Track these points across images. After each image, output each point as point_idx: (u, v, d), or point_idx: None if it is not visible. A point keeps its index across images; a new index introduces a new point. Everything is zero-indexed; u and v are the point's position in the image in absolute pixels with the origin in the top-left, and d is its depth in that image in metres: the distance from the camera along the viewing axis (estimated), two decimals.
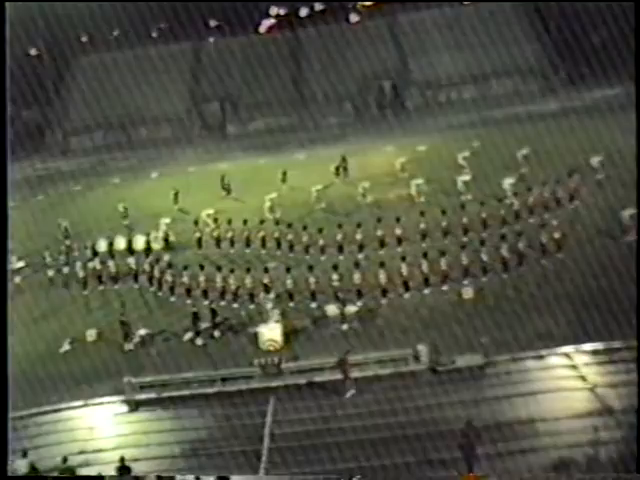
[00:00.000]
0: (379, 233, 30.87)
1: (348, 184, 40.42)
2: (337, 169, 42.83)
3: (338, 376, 22.17)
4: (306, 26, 74.54)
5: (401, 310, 26.28)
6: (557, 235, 28.52)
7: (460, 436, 17.71)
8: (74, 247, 34.96)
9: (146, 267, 31.29)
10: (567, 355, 22.20)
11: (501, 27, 66.95)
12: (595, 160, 35.50)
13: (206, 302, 27.55)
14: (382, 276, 26.86)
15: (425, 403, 20.56)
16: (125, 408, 22.84)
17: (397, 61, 70.81)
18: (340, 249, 30.93)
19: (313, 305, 27.18)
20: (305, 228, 32.06)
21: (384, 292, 26.95)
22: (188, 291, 28.89)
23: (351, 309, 26.07)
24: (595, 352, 22.09)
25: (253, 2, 69.74)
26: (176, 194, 40.85)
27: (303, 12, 77.25)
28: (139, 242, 34.54)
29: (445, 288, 27.16)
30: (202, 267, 29.09)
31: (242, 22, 68.47)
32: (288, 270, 27.85)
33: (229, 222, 33.68)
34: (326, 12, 75.66)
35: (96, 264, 32.06)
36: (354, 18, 75.91)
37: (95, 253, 33.44)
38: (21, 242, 33.34)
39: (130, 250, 33.97)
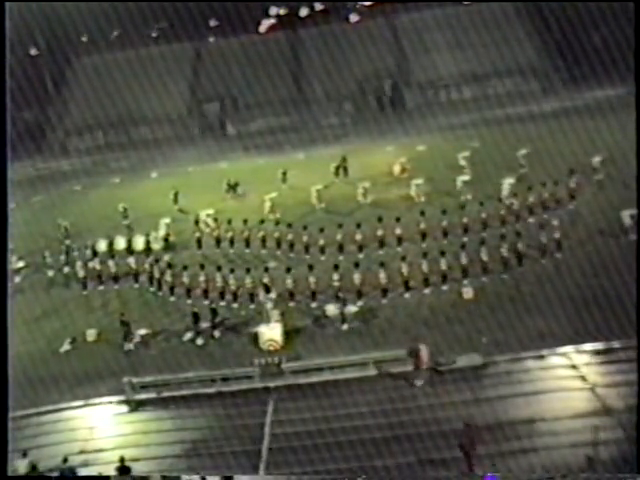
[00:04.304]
0: (379, 233, 30.87)
1: (348, 184, 40.42)
2: (337, 169, 42.83)
3: (338, 376, 22.29)
4: (306, 26, 74.55)
5: (401, 310, 26.29)
6: (557, 235, 28.55)
7: (460, 436, 17.71)
8: (74, 247, 34.93)
9: (146, 267, 31.29)
10: (567, 355, 22.21)
11: (501, 27, 67.07)
12: (595, 160, 35.53)
13: (206, 302, 27.56)
14: (382, 276, 26.87)
15: (425, 403, 20.57)
16: (125, 408, 22.84)
17: (397, 61, 70.83)
18: (340, 249, 30.93)
19: (313, 305, 27.18)
20: (305, 228, 32.05)
21: (384, 292, 26.95)
22: (188, 291, 28.90)
23: (351, 309, 26.10)
24: (595, 352, 22.10)
25: (253, 2, 69.74)
26: (176, 194, 40.86)
27: (303, 12, 77.23)
28: (139, 242, 34.53)
29: (445, 288, 27.17)
30: (202, 267, 29.09)
31: (242, 22, 68.45)
32: (288, 270, 27.84)
33: (229, 222, 33.68)
34: (326, 12, 75.67)
35: (96, 264, 32.06)
36: (354, 18, 75.90)
37: (95, 253, 33.43)
38: (21, 242, 33.31)
39: (130, 250, 33.96)
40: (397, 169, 41.64)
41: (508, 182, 34.38)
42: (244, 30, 70.93)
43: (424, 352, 21.69)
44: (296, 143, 55.92)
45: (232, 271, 28.66)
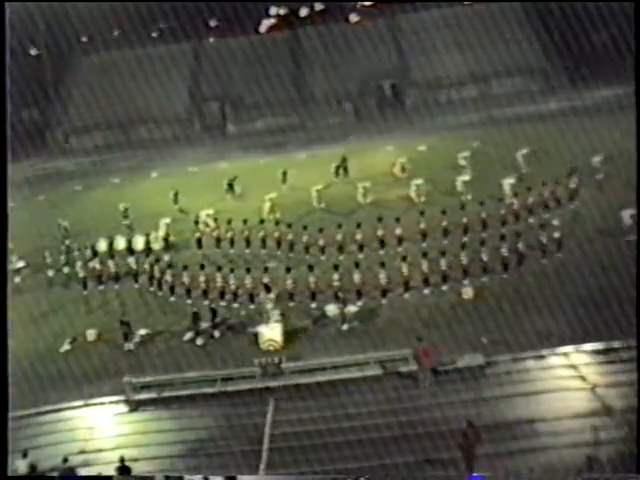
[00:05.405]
0: (379, 233, 30.87)
1: (348, 184, 40.41)
2: (337, 169, 42.85)
3: (338, 376, 22.31)
4: (306, 26, 74.57)
5: (401, 310, 26.29)
6: (557, 235, 28.56)
7: (460, 436, 17.71)
8: (74, 247, 34.91)
9: (146, 267, 31.28)
10: (567, 355, 22.22)
11: (501, 27, 67.03)
12: (595, 160, 35.53)
13: (206, 302, 27.56)
14: (382, 276, 26.86)
15: (425, 403, 20.57)
16: (125, 408, 22.84)
17: (397, 61, 70.86)
18: (340, 249, 30.92)
19: (313, 305, 27.17)
20: (305, 228, 32.04)
21: (384, 292, 26.94)
22: (188, 291, 28.89)
23: (351, 309, 26.08)
24: (595, 352, 22.12)
25: (253, 2, 69.76)
26: (176, 194, 40.85)
27: (303, 12, 77.25)
28: (139, 242, 34.51)
29: (445, 288, 27.17)
30: (202, 267, 29.08)
31: (242, 22, 68.48)
32: (288, 270, 27.84)
33: (229, 222, 33.66)
34: (326, 12, 75.67)
35: (96, 264, 32.04)
36: (354, 18, 75.88)
37: (95, 253, 33.39)
38: (21, 242, 33.32)
39: (130, 250, 33.94)
40: (397, 169, 41.64)
41: (508, 182, 34.39)
42: (244, 30, 70.94)
43: (431, 352, 21.68)
44: (296, 143, 55.93)
45: (232, 271, 28.65)
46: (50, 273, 33.16)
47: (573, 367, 21.70)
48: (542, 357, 22.25)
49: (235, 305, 28.01)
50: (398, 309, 26.39)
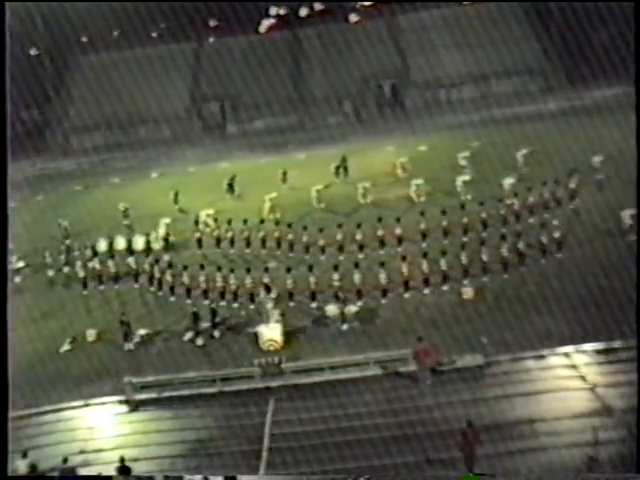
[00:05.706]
0: (379, 233, 30.87)
1: (348, 184, 40.41)
2: (337, 169, 42.83)
3: (338, 376, 22.32)
4: (306, 26, 74.55)
5: (401, 310, 26.29)
6: (557, 235, 28.56)
7: (460, 436, 17.71)
8: (74, 247, 34.93)
9: (146, 267, 31.29)
10: (567, 355, 22.23)
11: (501, 27, 67.05)
12: (595, 160, 35.53)
13: (206, 302, 27.58)
14: (382, 276, 26.87)
15: (425, 403, 20.58)
16: (125, 408, 22.85)
17: (397, 61, 70.83)
18: (340, 249, 30.93)
19: (313, 305, 27.18)
20: (305, 228, 32.04)
21: (384, 292, 26.95)
22: (188, 291, 28.90)
23: (351, 309, 26.09)
24: (595, 352, 22.12)
25: (253, 2, 69.74)
26: (176, 194, 40.83)
27: (303, 12, 77.21)
28: (139, 242, 34.51)
29: (445, 288, 27.17)
30: (202, 267, 29.09)
31: (242, 22, 68.45)
32: (288, 270, 27.85)
33: (229, 222, 33.67)
34: (326, 12, 75.65)
35: (96, 264, 32.05)
36: (354, 18, 75.86)
37: (95, 253, 33.37)
38: (21, 242, 33.32)
39: (130, 250, 33.94)
40: (397, 169, 41.63)
41: (508, 182, 34.39)
42: (244, 30, 70.92)
43: (431, 352, 21.67)
44: (296, 143, 55.94)
45: (232, 271, 28.65)
46: (50, 273, 33.16)
47: (573, 367, 21.71)
48: (542, 357, 22.26)
49: (235, 305, 28.02)
50: (398, 309, 26.40)
